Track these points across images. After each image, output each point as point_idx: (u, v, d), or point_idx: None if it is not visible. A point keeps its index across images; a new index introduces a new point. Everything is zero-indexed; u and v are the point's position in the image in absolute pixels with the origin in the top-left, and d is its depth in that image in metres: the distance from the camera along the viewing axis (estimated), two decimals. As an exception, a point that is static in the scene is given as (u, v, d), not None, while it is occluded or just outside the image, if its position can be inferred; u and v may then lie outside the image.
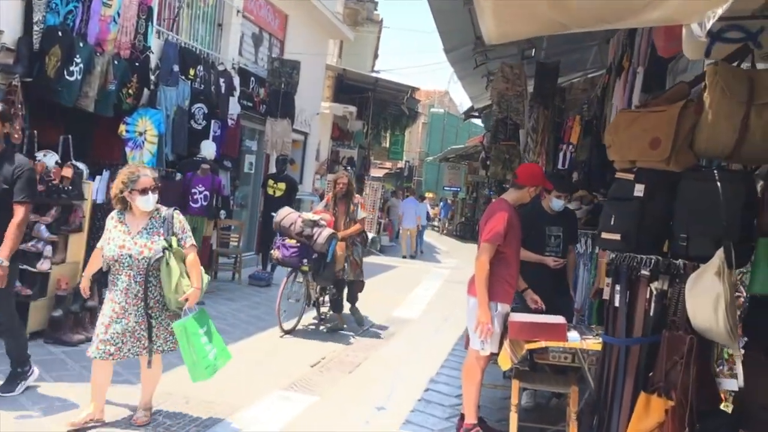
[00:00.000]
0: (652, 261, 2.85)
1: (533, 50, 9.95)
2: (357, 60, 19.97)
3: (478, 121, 31.56)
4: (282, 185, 9.93)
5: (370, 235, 6.88)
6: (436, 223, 34.01)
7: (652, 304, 2.86)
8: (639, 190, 3.00)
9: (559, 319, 4.09)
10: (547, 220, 5.17)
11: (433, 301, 10.23)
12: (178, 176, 8.21)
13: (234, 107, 10.00)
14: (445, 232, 32.74)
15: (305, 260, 6.69)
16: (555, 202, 5.08)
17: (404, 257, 17.11)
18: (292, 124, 11.20)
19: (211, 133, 9.37)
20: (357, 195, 6.97)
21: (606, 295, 3.08)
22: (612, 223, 3.08)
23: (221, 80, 9.53)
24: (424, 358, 6.53)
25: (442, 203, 35.71)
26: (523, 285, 4.75)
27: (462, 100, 77.17)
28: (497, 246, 4.13)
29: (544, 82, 10.02)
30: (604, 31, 10.20)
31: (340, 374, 5.75)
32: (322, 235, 6.51)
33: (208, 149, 8.54)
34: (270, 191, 9.97)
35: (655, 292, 2.85)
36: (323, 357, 6.18)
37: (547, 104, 10.16)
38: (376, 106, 20.38)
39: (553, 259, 5.05)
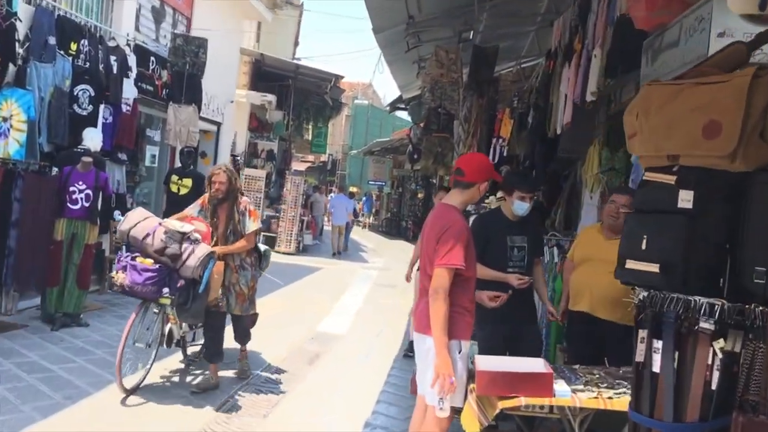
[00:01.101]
0: (717, 308, 1.88)
1: (470, 33, 9.06)
2: (276, 46, 18.59)
3: (403, 114, 30.78)
4: (188, 181, 8.60)
5: (263, 248, 5.58)
6: (360, 219, 33.03)
7: (716, 373, 1.89)
8: (686, 199, 2.02)
9: (539, 365, 3.11)
10: (508, 228, 4.20)
11: (363, 311, 9.16)
12: (55, 171, 6.76)
13: (129, 91, 8.55)
14: (367, 227, 31.77)
15: (166, 290, 4.57)
16: (518, 205, 4.10)
17: (334, 254, 16.70)
18: (199, 111, 9.82)
19: (100, 120, 7.92)
20: (244, 198, 5.15)
21: (639, 357, 2.09)
22: (644, 247, 2.10)
23: (112, 58, 8.07)
24: (354, 399, 5.45)
25: (365, 198, 34.76)
26: None
27: (386, 92, 76.56)
28: (457, 271, 3.10)
29: (480, 68, 9.13)
30: (545, 13, 9.48)
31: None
32: (195, 254, 4.59)
33: (93, 138, 7.11)
34: (174, 188, 8.61)
35: (720, 356, 1.88)
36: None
37: (483, 92, 9.29)
38: (297, 96, 19.09)
39: (517, 277, 4.08)
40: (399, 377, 5.90)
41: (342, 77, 17.02)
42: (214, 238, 5.04)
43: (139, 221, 4.79)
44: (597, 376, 3.24)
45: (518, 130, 11.45)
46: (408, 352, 6.42)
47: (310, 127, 24.57)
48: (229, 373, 5.49)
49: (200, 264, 4.61)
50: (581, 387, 3.01)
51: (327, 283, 11.49)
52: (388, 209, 29.99)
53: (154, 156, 10.25)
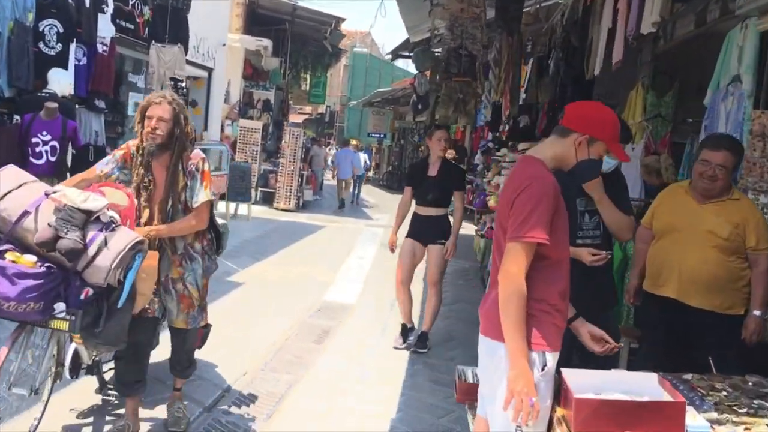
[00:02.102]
0: None
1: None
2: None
3: (403, 65, 29.40)
4: (174, 132, 7.58)
5: (220, 222, 3.66)
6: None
7: None
8: None
9: (652, 385, 2.22)
10: (578, 188, 3.26)
11: (371, 276, 8.29)
12: (17, 120, 5.79)
13: (106, 28, 7.51)
14: (367, 181, 30.76)
15: (60, 306, 2.80)
16: (607, 161, 3.14)
17: (340, 207, 16.47)
18: (185, 52, 8.76)
19: (72, 62, 6.92)
20: (196, 151, 3.34)
21: None
22: None
23: (83, -12, 7.01)
24: (373, 389, 4.60)
25: (364, 151, 33.61)
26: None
27: (385, 42, 74.47)
28: (538, 247, 2.17)
29: (507, 3, 8.07)
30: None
31: None
32: (110, 248, 2.81)
33: (59, 81, 6.12)
34: (158, 140, 7.60)
35: None
36: None
37: (512, 30, 8.25)
38: (294, 42, 17.89)
39: (590, 251, 3.15)
40: (424, 360, 5.06)
41: (343, 20, 15.80)
42: (145, 213, 3.25)
43: (12, 190, 2.83)
44: (723, 393, 2.36)
45: (537, 76, 10.46)
46: (417, 346, 5.28)
47: (308, 76, 23.37)
48: (217, 368, 4.63)
49: (119, 264, 2.79)
50: (716, 416, 2.13)
51: (330, 243, 10.61)
52: (389, 162, 28.93)
53: (137, 104, 9.20)
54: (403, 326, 5.45)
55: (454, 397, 4.26)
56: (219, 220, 3.70)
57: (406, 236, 5.38)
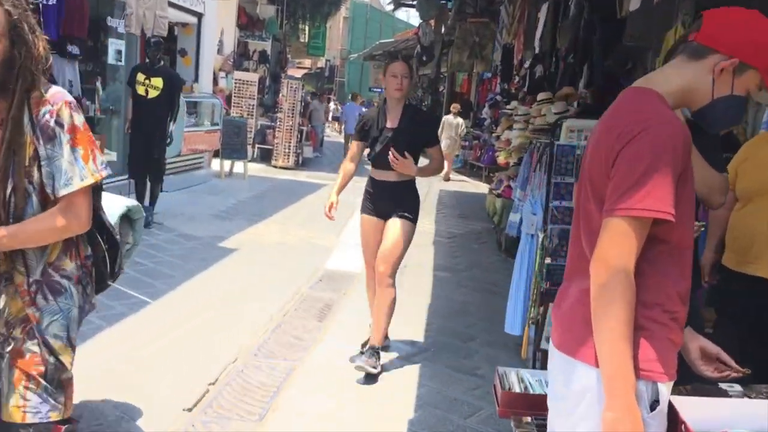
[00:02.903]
0: None
1: None
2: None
3: (404, 17, 28.07)
4: (157, 81, 6.81)
5: (128, 205, 2.31)
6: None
7: None
8: None
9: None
10: (709, 141, 2.47)
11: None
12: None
13: (77, -37, 6.65)
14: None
15: None
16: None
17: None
18: (169, -9, 7.90)
19: (38, 1, 6.09)
20: (54, 89, 1.85)
21: None
22: None
23: None
24: (386, 379, 3.95)
25: (366, 105, 32.66)
26: None
27: (384, -5, 72.53)
28: (654, 227, 1.45)
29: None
30: None
31: None
32: None
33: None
34: (140, 90, 6.84)
35: None
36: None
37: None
38: (291, -12, 16.87)
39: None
40: (442, 341, 4.41)
41: (343, -37, 14.74)
42: None
43: None
44: None
45: (554, 20, 9.61)
46: (367, 363, 3.67)
47: (306, 27, 22.33)
48: (201, 356, 3.98)
49: None
50: None
51: (332, 203, 9.89)
52: (392, 118, 28.00)
53: (119, 52, 8.40)
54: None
55: (478, 389, 3.64)
56: (126, 203, 2.39)
57: (361, 212, 4.11)
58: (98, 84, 8.28)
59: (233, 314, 4.57)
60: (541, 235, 3.68)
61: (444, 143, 15.38)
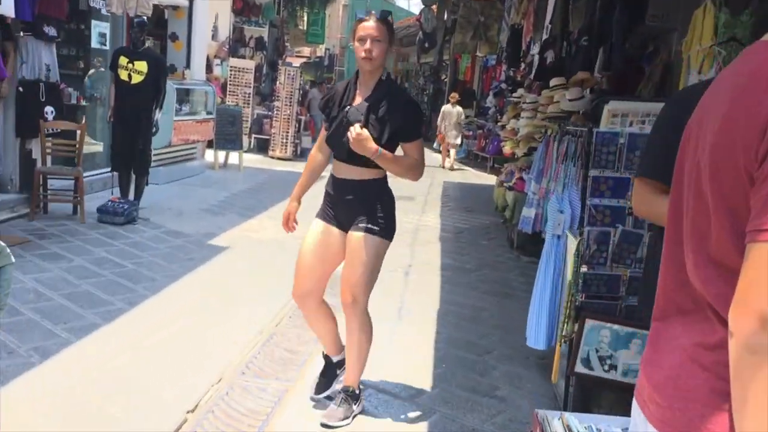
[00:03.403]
0: None
1: None
2: None
3: (405, 4, 27.52)
4: (141, 65, 6.30)
5: None
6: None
7: None
8: None
9: None
10: None
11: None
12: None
13: (53, -64, 6.11)
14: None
15: None
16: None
17: None
18: (155, -31, 7.36)
19: (9, -23, 5.56)
20: None
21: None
22: None
23: None
24: (391, 400, 3.46)
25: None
26: None
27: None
28: None
29: None
30: None
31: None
32: None
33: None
34: (123, 75, 6.32)
35: None
36: None
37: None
38: (289, -28, 16.28)
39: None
40: (454, 354, 3.92)
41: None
42: None
43: None
44: None
45: (565, 1, 9.09)
46: (331, 418, 2.99)
47: (305, 14, 21.73)
48: (181, 376, 3.49)
49: None
50: None
51: (331, 196, 9.38)
52: (393, 108, 27.39)
53: (103, 35, 7.86)
54: (326, 359, 3.29)
55: (499, 416, 3.15)
56: None
57: (317, 215, 3.12)
58: (87, 80, 7.80)
59: (219, 323, 4.08)
60: (570, 238, 3.18)
61: (451, 134, 14.97)
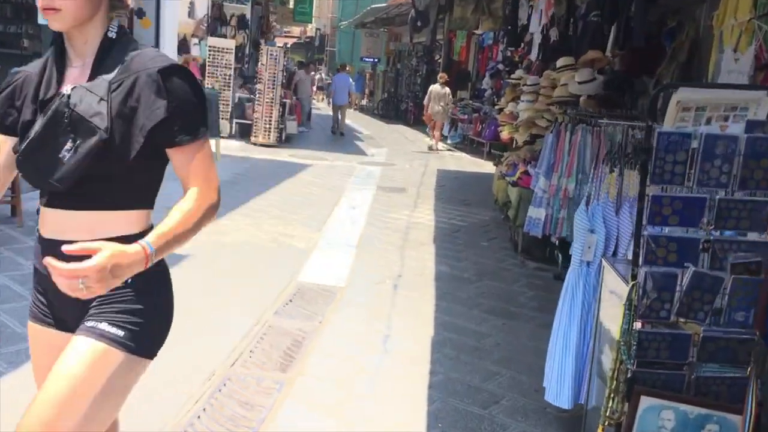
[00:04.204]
0: None
1: None
2: None
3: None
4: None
5: None
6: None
7: None
8: None
9: None
10: None
11: (367, 237, 6.29)
12: None
13: None
14: (356, 108, 28.51)
15: None
16: None
17: (333, 132, 16.25)
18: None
19: None
20: None
21: None
22: None
23: None
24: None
25: (355, 76, 31.17)
26: None
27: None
28: None
29: None
30: None
31: None
32: None
33: None
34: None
35: None
36: None
37: None
38: (273, -55, 15.28)
39: None
40: (454, 406, 3.12)
41: None
42: None
43: None
44: None
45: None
46: None
47: (292, -10, 20.72)
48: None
49: None
50: None
51: (315, 187, 8.56)
52: (384, 89, 26.48)
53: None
54: None
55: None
56: None
57: (29, 313, 1.68)
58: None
59: (161, 367, 3.27)
60: (611, 272, 2.38)
61: (439, 114, 14.35)
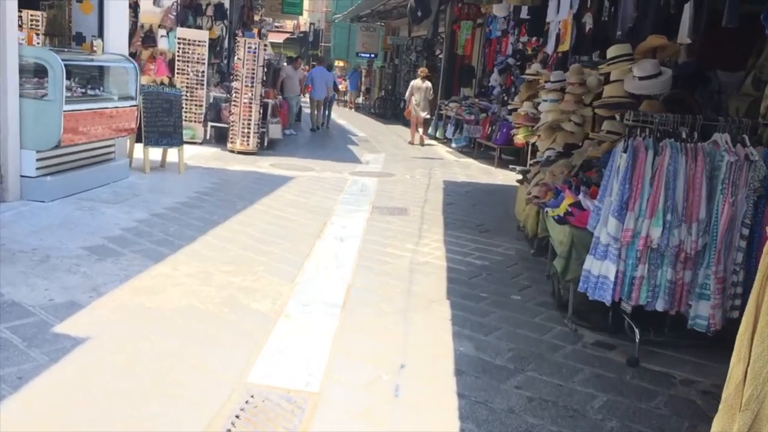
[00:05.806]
0: None
1: None
2: None
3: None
4: None
5: None
6: (345, 98, 28.29)
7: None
8: None
9: None
10: None
11: (356, 292, 4.62)
12: None
13: None
14: (351, 106, 26.90)
15: None
16: None
17: (312, 130, 15.60)
18: None
19: None
20: None
21: None
22: None
23: None
24: None
25: (350, 72, 29.56)
26: None
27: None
28: None
29: None
30: None
31: None
32: None
33: None
34: None
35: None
36: None
37: None
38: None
39: None
40: None
41: None
42: None
43: None
44: None
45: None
46: None
47: (280, -20, 19.02)
48: None
49: None
50: None
51: (294, 211, 6.88)
52: (381, 86, 24.77)
53: None
54: None
55: None
56: None
57: None
58: None
59: None
60: None
61: (419, 109, 14.12)
